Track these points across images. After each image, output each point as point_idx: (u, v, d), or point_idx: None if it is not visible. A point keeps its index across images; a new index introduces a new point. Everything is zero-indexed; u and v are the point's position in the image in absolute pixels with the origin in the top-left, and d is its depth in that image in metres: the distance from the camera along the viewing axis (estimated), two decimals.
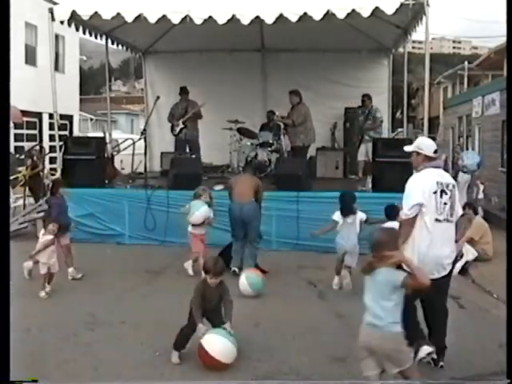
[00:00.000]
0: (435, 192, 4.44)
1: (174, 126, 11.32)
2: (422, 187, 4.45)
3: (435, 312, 4.68)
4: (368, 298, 3.62)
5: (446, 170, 13.98)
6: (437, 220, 4.43)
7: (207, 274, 4.66)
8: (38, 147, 13.46)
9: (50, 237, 6.46)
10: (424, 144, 4.76)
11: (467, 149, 18.26)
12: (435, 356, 4.54)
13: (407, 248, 4.34)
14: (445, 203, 4.46)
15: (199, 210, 7.23)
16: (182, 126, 11.06)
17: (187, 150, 11.38)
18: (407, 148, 4.90)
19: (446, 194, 4.49)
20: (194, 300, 4.66)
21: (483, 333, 5.13)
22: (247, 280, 6.44)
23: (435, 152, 4.70)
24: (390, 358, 3.54)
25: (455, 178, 13.53)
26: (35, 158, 12.65)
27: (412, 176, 4.70)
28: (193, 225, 7.31)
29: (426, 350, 4.47)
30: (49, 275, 6.44)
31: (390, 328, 3.52)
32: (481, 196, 13.21)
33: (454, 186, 4.60)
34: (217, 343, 4.51)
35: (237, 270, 7.18)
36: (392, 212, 6.34)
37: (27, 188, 12.03)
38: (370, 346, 3.58)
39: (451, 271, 4.60)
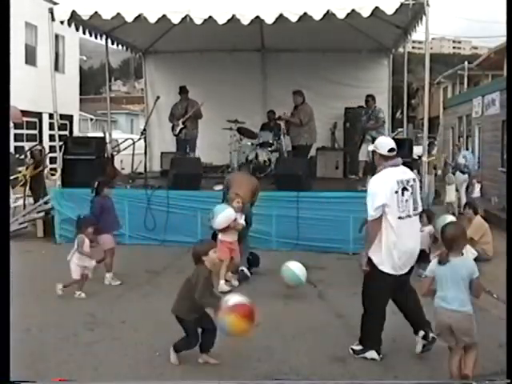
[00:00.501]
0: (396, 192, 4.61)
1: (174, 126, 11.29)
2: (384, 188, 4.61)
3: (409, 294, 4.94)
4: (445, 285, 4.11)
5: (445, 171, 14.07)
6: (400, 218, 4.62)
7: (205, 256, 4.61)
8: (39, 147, 13.40)
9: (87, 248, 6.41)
10: (380, 143, 4.91)
11: (467, 149, 18.27)
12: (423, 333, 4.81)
13: (375, 248, 4.62)
14: (406, 200, 4.65)
15: (221, 214, 6.80)
16: (181, 125, 11.01)
17: (187, 150, 11.35)
18: (369, 148, 5.16)
19: (408, 190, 4.67)
20: (204, 293, 4.46)
21: (483, 333, 5.10)
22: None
23: (391, 151, 4.80)
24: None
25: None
26: (37, 157, 12.61)
27: (373, 177, 4.85)
28: (220, 231, 6.88)
29: (421, 333, 4.79)
30: (84, 278, 6.40)
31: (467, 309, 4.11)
32: (476, 195, 13.25)
33: (414, 180, 4.77)
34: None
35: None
36: None
37: (28, 188, 12.03)
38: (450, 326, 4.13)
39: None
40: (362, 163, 11.26)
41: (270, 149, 11.17)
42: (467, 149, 16.91)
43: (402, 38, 11.34)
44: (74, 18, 9.11)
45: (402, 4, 8.10)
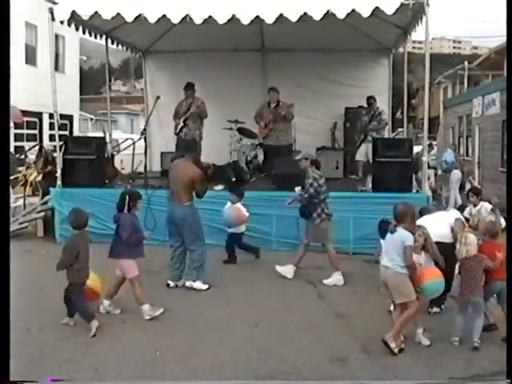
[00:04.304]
0: None
1: (176, 125, 11.07)
2: None
3: None
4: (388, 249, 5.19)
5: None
6: None
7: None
8: (51, 147, 13.32)
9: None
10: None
11: (466, 149, 18.31)
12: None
13: None
14: None
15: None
16: (182, 124, 10.79)
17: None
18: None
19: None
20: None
21: (483, 333, 5.12)
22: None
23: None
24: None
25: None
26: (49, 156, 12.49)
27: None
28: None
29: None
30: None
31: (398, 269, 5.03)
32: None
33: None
34: None
35: (172, 283, 6.88)
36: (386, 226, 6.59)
37: (30, 187, 12.00)
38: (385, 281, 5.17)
39: None
40: (359, 163, 11.26)
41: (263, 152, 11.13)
42: (453, 149, 16.83)
43: (402, 38, 11.32)
44: (74, 18, 9.09)
45: (402, 4, 8.10)
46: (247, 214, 7.90)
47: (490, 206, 7.49)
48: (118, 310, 5.92)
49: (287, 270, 7.40)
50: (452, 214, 6.43)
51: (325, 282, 7.15)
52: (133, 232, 5.73)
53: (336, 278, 7.19)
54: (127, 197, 5.89)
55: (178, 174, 6.92)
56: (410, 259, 5.00)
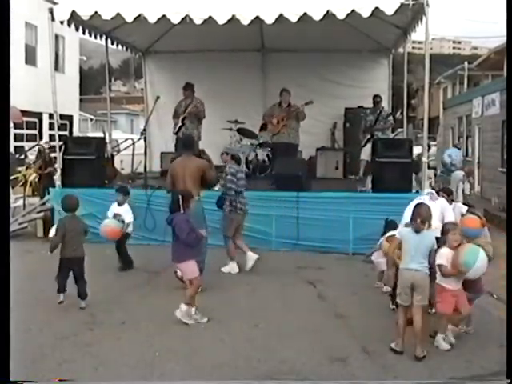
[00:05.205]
0: None
1: (176, 125, 11.05)
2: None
3: None
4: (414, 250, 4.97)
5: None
6: None
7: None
8: (47, 145, 13.31)
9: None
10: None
11: (466, 150, 18.30)
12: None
13: None
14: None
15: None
16: (180, 124, 10.77)
17: None
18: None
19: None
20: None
21: (483, 333, 5.12)
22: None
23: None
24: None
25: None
26: (46, 157, 12.50)
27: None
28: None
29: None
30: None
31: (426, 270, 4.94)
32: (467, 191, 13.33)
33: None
34: None
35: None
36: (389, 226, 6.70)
37: (30, 187, 11.99)
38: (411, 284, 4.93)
39: None
40: (362, 162, 11.22)
41: (270, 149, 11.15)
42: (459, 148, 16.83)
43: (402, 38, 11.32)
44: (74, 18, 9.09)
45: (401, 4, 8.09)
46: (120, 226, 7.41)
47: (464, 207, 7.40)
48: (205, 319, 5.62)
49: (231, 267, 7.60)
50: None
51: (222, 269, 7.53)
52: (190, 231, 5.64)
53: (231, 266, 7.60)
54: (180, 197, 5.85)
55: (184, 168, 6.90)
56: (433, 262, 4.97)
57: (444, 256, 4.96)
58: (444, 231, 5.17)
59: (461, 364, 4.74)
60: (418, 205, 5.19)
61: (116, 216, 7.38)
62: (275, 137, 10.93)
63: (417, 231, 4.95)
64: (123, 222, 7.34)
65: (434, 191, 7.30)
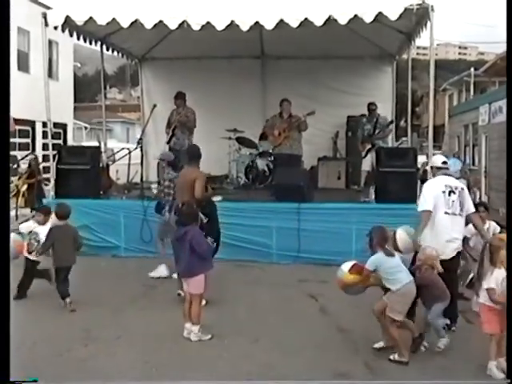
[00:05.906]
0: (443, 192, 5.71)
1: (168, 134, 10.93)
2: (433, 188, 5.84)
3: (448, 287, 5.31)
4: None
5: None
6: (446, 213, 5.69)
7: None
8: (33, 156, 13.24)
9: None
10: (435, 159, 6.43)
11: (473, 159, 18.14)
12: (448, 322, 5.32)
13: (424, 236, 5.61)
14: (453, 201, 5.70)
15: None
16: (171, 133, 10.62)
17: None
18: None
19: (454, 193, 5.79)
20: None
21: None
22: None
23: (444, 163, 6.18)
24: None
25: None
26: (32, 167, 12.44)
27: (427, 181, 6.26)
28: None
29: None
30: None
31: None
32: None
33: (462, 189, 5.78)
34: None
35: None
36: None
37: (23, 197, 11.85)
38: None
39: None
40: (364, 173, 10.99)
41: (269, 158, 10.98)
42: (458, 157, 16.58)
43: (406, 44, 11.14)
44: (68, 24, 8.97)
45: (405, 9, 8.00)
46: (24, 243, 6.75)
47: (497, 227, 7.10)
48: (208, 336, 5.49)
49: (160, 270, 7.64)
50: None
51: (150, 274, 7.65)
52: (204, 243, 5.61)
53: (160, 270, 7.66)
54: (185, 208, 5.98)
55: (183, 179, 7.04)
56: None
57: (498, 279, 4.62)
58: (493, 249, 4.82)
59: (461, 364, 4.84)
60: (377, 230, 5.26)
61: (32, 233, 6.75)
62: (277, 148, 10.86)
63: (390, 255, 5.12)
64: (38, 241, 6.71)
65: None
